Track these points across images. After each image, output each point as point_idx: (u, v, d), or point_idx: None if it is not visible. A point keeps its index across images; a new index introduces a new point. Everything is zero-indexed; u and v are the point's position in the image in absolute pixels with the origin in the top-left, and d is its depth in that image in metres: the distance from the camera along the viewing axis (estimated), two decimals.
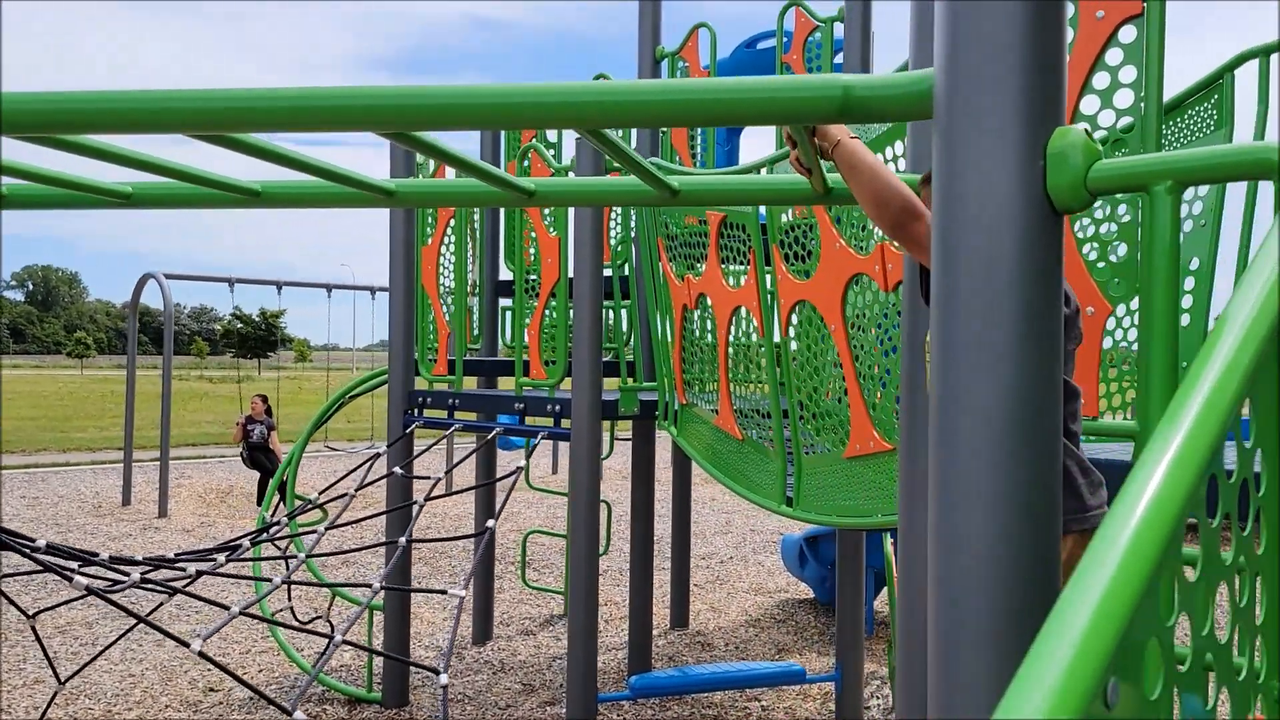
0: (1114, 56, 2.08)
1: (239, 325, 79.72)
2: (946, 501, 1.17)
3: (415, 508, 4.50)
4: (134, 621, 3.57)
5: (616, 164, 2.48)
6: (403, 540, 4.28)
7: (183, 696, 5.63)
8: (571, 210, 4.64)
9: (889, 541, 5.60)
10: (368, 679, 5.58)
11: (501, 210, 6.45)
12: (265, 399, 11.93)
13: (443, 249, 5.43)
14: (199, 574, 3.86)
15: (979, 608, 1.18)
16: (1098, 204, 2.40)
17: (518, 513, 11.67)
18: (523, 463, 4.58)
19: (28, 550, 3.42)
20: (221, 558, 4.19)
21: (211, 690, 5.74)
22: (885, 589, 6.80)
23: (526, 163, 5.41)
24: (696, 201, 2.43)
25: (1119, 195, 2.21)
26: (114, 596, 3.71)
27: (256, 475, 11.92)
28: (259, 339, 76.55)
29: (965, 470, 1.13)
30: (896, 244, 1.75)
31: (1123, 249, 2.23)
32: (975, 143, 1.12)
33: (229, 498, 12.96)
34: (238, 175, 2.36)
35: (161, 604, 4.98)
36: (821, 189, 2.08)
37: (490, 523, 4.33)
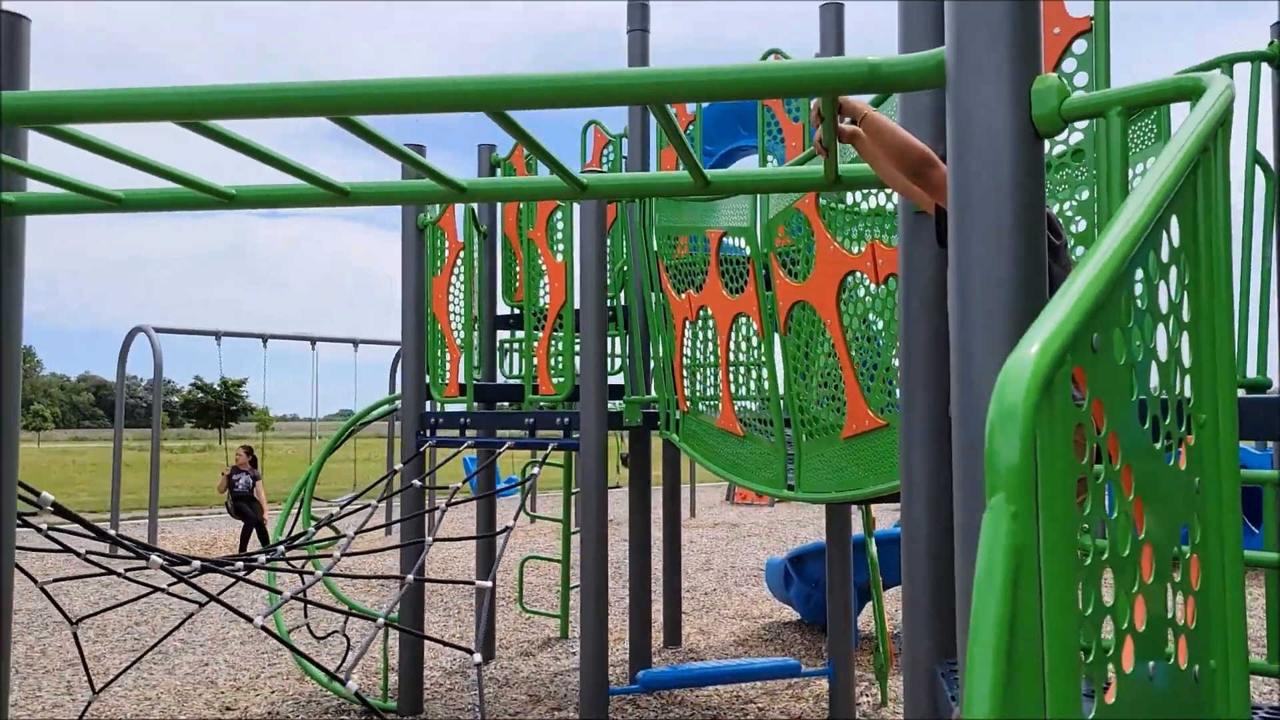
0: (1069, 65, 2.56)
1: (200, 394, 79.02)
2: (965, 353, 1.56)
3: (437, 514, 4.81)
4: (194, 608, 3.87)
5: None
6: (429, 540, 4.58)
7: (200, 717, 5.82)
8: (576, 239, 5.07)
9: (873, 544, 5.98)
10: (384, 689, 5.82)
11: (499, 245, 6.87)
12: (250, 450, 12.13)
13: (453, 278, 5.81)
14: (250, 568, 4.13)
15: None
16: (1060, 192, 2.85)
17: (511, 544, 11.89)
18: (514, 519, 4.91)
19: (95, 534, 3.70)
20: (263, 557, 4.49)
21: (228, 709, 5.93)
22: (869, 603, 7.16)
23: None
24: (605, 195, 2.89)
25: (1080, 180, 2.66)
26: (174, 588, 4.00)
27: (240, 525, 12.05)
28: (220, 409, 75.91)
29: (983, 329, 1.53)
30: (916, 191, 2.13)
31: (1081, 224, 2.67)
32: (977, 90, 1.54)
33: (213, 549, 13.05)
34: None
35: (192, 614, 5.21)
36: (834, 176, 2.51)
37: (510, 523, 4.66)
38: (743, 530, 15.23)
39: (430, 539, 4.65)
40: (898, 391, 3.47)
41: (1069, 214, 2.66)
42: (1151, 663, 1.08)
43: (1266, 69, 3.08)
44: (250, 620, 3.60)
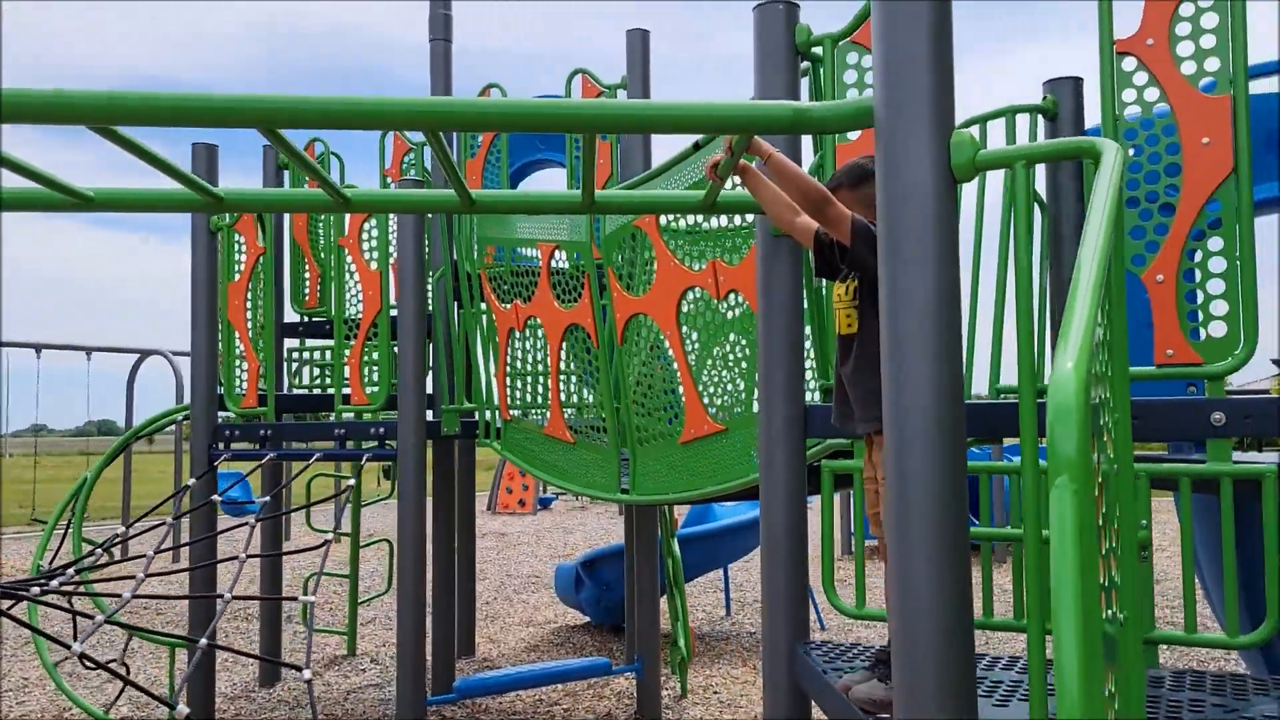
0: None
1: None
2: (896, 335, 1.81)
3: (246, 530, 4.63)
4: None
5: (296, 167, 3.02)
6: (243, 556, 4.40)
7: None
8: (394, 245, 5.05)
9: (675, 545, 6.30)
10: (170, 718, 5.48)
11: (286, 251, 6.66)
12: None
13: (252, 285, 5.59)
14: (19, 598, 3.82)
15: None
16: None
17: (296, 560, 11.31)
18: (333, 532, 4.84)
19: None
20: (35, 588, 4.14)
21: None
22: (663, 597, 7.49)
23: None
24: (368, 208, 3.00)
25: None
26: None
27: None
28: None
29: (913, 342, 1.79)
30: (822, 227, 2.39)
31: None
32: (904, 142, 1.80)
33: None
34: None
35: None
36: (712, 201, 2.74)
37: (329, 535, 4.57)
38: (511, 539, 15.30)
39: (244, 555, 4.47)
40: (736, 397, 3.77)
41: None
42: (1110, 611, 1.36)
43: (1041, 119, 3.62)
44: (68, 647, 3.35)
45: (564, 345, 4.56)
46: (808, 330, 3.19)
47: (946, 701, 1.77)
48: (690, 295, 3.84)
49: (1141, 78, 2.71)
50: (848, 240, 2.29)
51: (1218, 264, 2.57)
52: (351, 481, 4.85)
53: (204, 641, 3.97)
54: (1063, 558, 1.02)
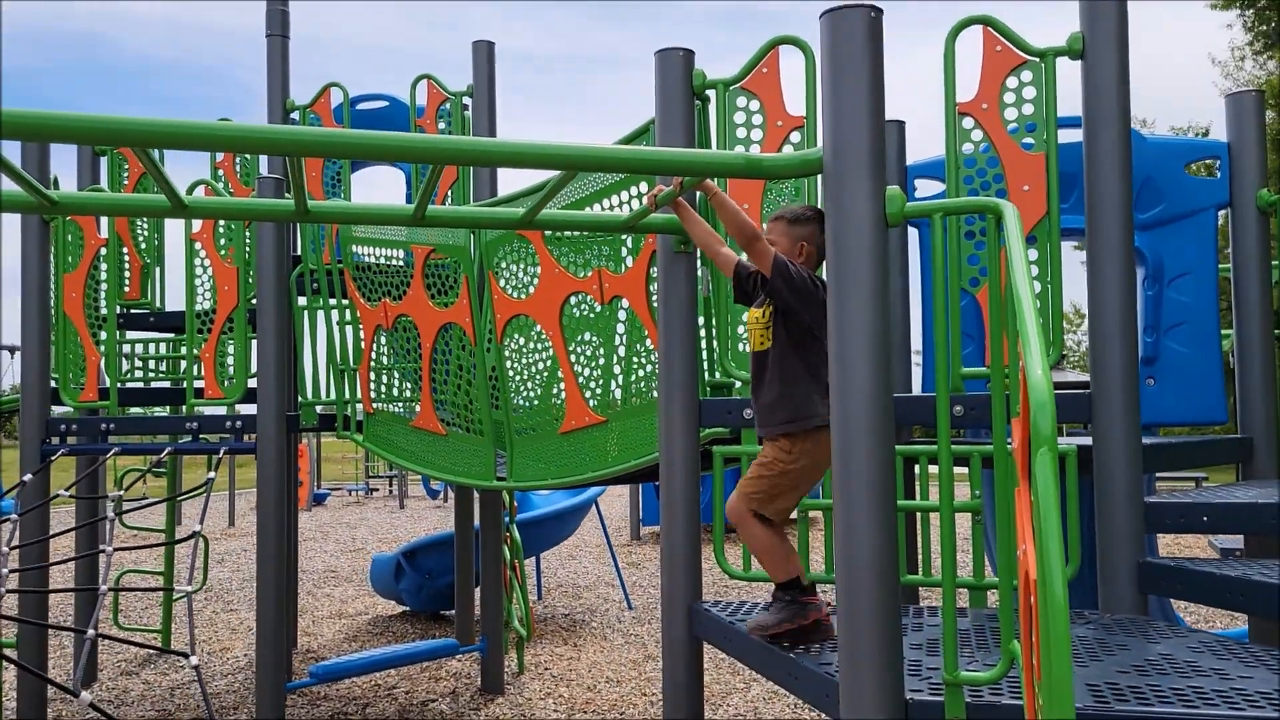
0: (787, 148, 3.49)
1: None
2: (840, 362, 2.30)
3: (106, 524, 4.59)
4: None
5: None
6: (109, 549, 4.37)
7: None
8: (259, 240, 5.11)
9: (515, 529, 6.64)
10: None
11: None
12: None
13: (93, 275, 5.44)
14: None
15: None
16: None
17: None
18: (200, 524, 4.86)
19: None
20: None
21: None
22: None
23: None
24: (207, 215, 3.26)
25: None
26: None
27: None
28: None
29: (853, 352, 2.28)
30: (746, 260, 2.86)
31: None
32: (848, 190, 2.30)
33: None
34: None
35: None
36: (634, 223, 3.16)
37: (197, 526, 4.61)
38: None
39: (110, 547, 4.43)
40: (616, 392, 4.21)
41: None
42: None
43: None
44: None
45: (436, 343, 4.81)
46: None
47: (880, 646, 2.26)
48: (573, 299, 4.23)
49: (978, 134, 3.37)
50: (769, 273, 2.74)
51: (1035, 286, 3.27)
52: (212, 475, 4.88)
53: (92, 631, 4.00)
54: (1047, 503, 1.53)
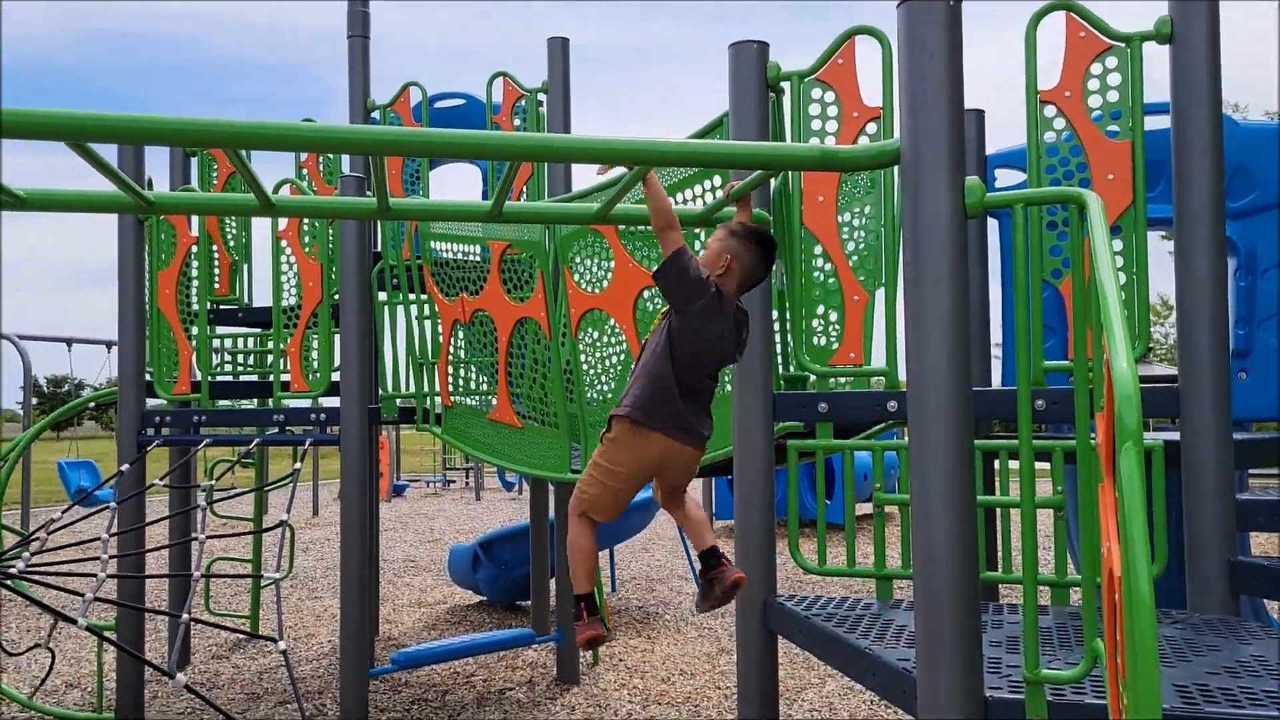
0: (863, 140, 3.46)
1: None
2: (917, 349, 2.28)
3: (199, 513, 4.75)
4: None
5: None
6: (203, 536, 4.53)
7: None
8: (341, 237, 5.24)
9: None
10: (98, 699, 5.51)
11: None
12: None
13: (185, 272, 5.63)
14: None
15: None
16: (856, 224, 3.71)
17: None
18: (287, 512, 5.00)
19: None
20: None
21: None
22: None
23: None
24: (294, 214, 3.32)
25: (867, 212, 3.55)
26: None
27: None
28: None
29: (931, 345, 2.26)
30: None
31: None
32: (927, 181, 2.27)
33: None
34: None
35: None
36: (709, 216, 3.16)
37: (284, 516, 4.74)
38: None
39: (203, 535, 4.59)
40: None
41: (855, 223, 3.54)
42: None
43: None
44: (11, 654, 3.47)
45: (513, 338, 4.87)
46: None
47: (958, 642, 2.23)
48: (647, 293, 4.25)
49: (1060, 123, 3.30)
50: (667, 255, 2.61)
51: (1120, 277, 3.19)
52: (298, 466, 5.02)
53: (186, 616, 4.15)
54: (1132, 499, 1.50)
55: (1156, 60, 3.15)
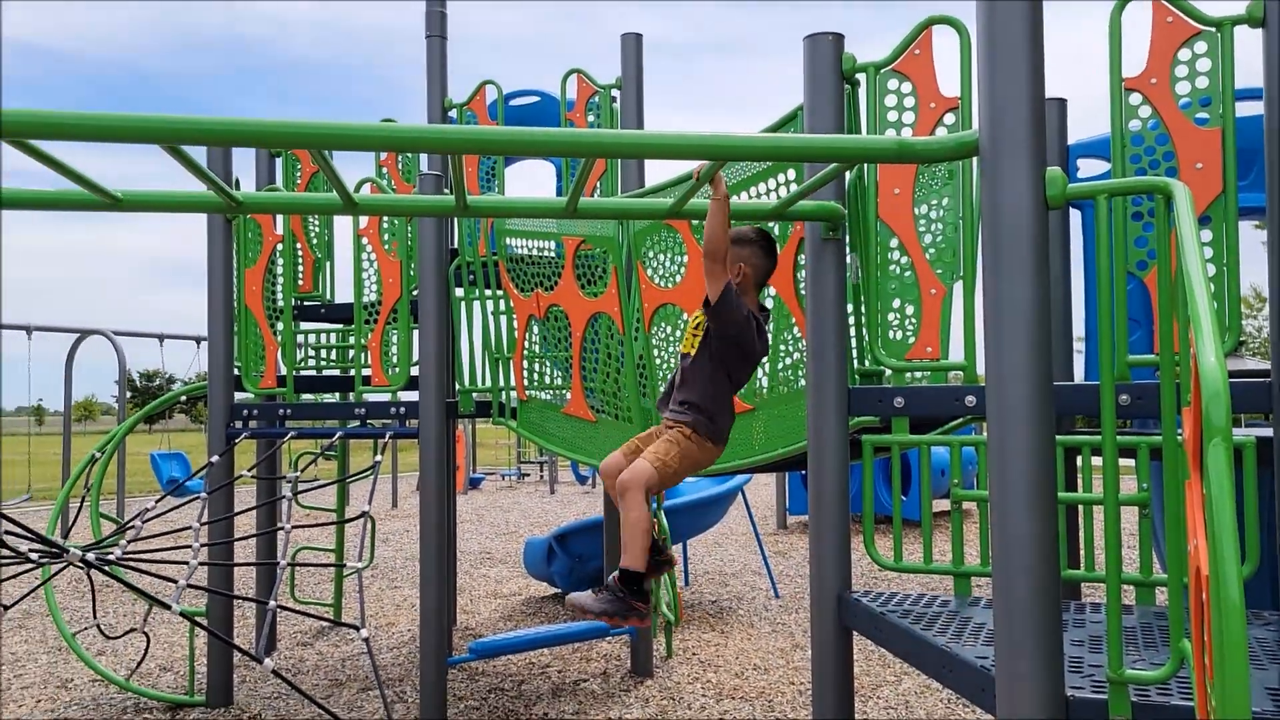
0: (940, 131, 3.41)
1: None
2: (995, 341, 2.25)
3: (285, 503, 4.89)
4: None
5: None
6: (288, 527, 4.67)
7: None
8: (420, 234, 5.34)
9: (663, 515, 6.71)
10: (190, 683, 5.70)
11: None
12: None
13: (270, 270, 5.80)
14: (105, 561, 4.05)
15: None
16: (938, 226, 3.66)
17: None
18: (368, 503, 5.12)
19: None
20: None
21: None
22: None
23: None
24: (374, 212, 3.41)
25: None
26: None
27: None
28: None
29: (1011, 340, 2.23)
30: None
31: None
32: (1008, 174, 2.24)
33: None
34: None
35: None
36: (782, 210, 3.15)
37: (365, 507, 4.86)
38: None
39: (288, 525, 4.73)
40: (763, 380, 4.20)
41: (932, 215, 3.48)
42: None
43: None
44: (168, 607, 3.61)
45: (586, 332, 4.91)
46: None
47: (1038, 640, 2.21)
48: None
49: (1146, 111, 3.22)
50: (715, 296, 2.99)
51: (1209, 268, 3.10)
52: (379, 458, 5.14)
53: (273, 603, 4.27)
54: (1221, 497, 1.47)
55: (1248, 44, 3.04)
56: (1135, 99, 3.25)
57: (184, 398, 7.38)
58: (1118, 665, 2.11)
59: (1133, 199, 3.27)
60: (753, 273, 3.22)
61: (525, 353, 5.38)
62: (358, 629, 4.19)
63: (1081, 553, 3.60)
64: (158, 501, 4.94)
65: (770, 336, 3.36)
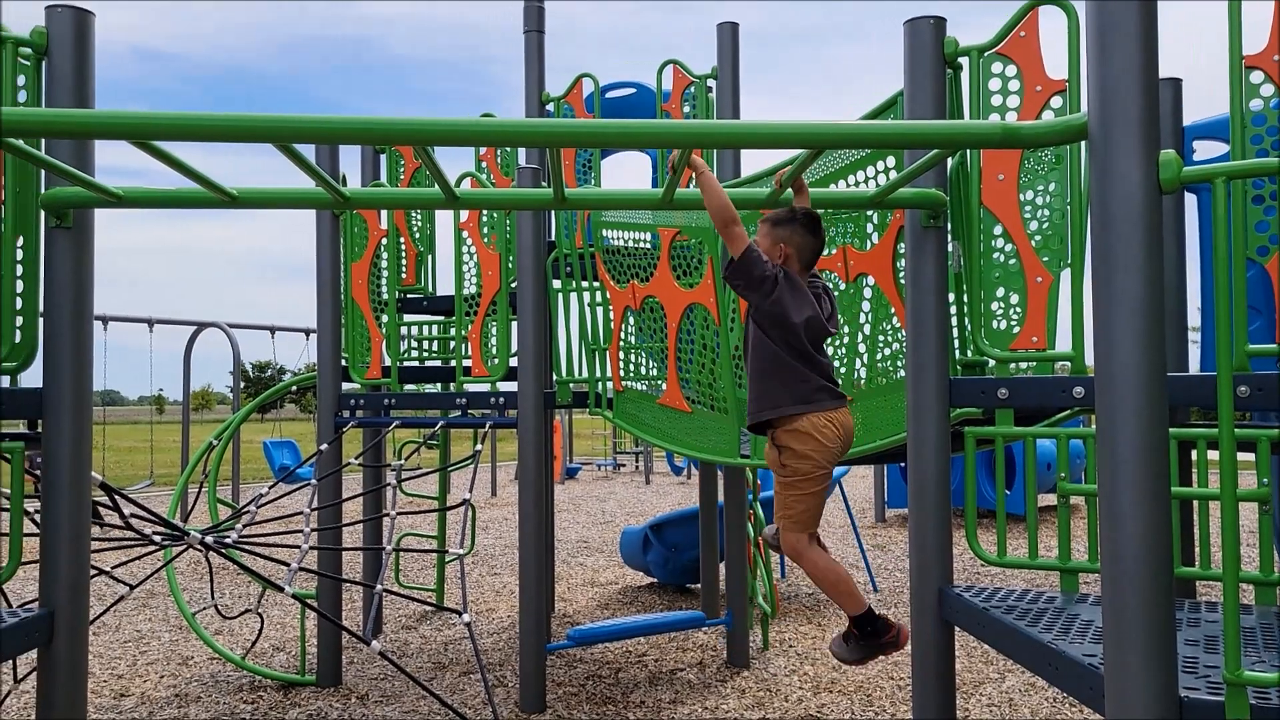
0: (1047, 115, 3.30)
1: None
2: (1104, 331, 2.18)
3: (390, 491, 5.03)
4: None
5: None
6: (393, 514, 4.80)
7: (92, 703, 5.67)
8: (518, 227, 5.43)
9: (758, 506, 6.70)
10: (301, 663, 5.92)
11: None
12: None
13: (375, 264, 5.97)
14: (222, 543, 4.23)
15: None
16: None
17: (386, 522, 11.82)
18: (469, 492, 5.22)
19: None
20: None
21: (122, 696, 5.81)
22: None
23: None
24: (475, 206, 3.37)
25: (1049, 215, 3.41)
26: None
27: None
28: None
29: (1123, 332, 2.16)
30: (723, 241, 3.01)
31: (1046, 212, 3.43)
32: (1119, 158, 2.17)
33: None
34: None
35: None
36: (880, 199, 3.10)
37: (466, 495, 4.96)
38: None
39: (393, 512, 4.87)
40: (861, 371, 4.15)
41: (1038, 201, 3.39)
42: None
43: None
44: (281, 589, 3.76)
45: (681, 323, 4.93)
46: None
47: (1150, 638, 2.13)
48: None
49: (1268, 89, 3.07)
50: (738, 254, 2.88)
51: None
52: (479, 447, 5.24)
53: (379, 587, 4.40)
54: None
55: None
56: (1257, 77, 3.11)
57: (294, 388, 7.64)
58: (1235, 666, 2.04)
59: (1254, 181, 3.13)
60: (795, 252, 3.12)
61: (621, 344, 5.43)
62: (460, 614, 4.29)
63: (1197, 550, 3.47)
64: (270, 488, 5.14)
65: (835, 311, 3.24)
